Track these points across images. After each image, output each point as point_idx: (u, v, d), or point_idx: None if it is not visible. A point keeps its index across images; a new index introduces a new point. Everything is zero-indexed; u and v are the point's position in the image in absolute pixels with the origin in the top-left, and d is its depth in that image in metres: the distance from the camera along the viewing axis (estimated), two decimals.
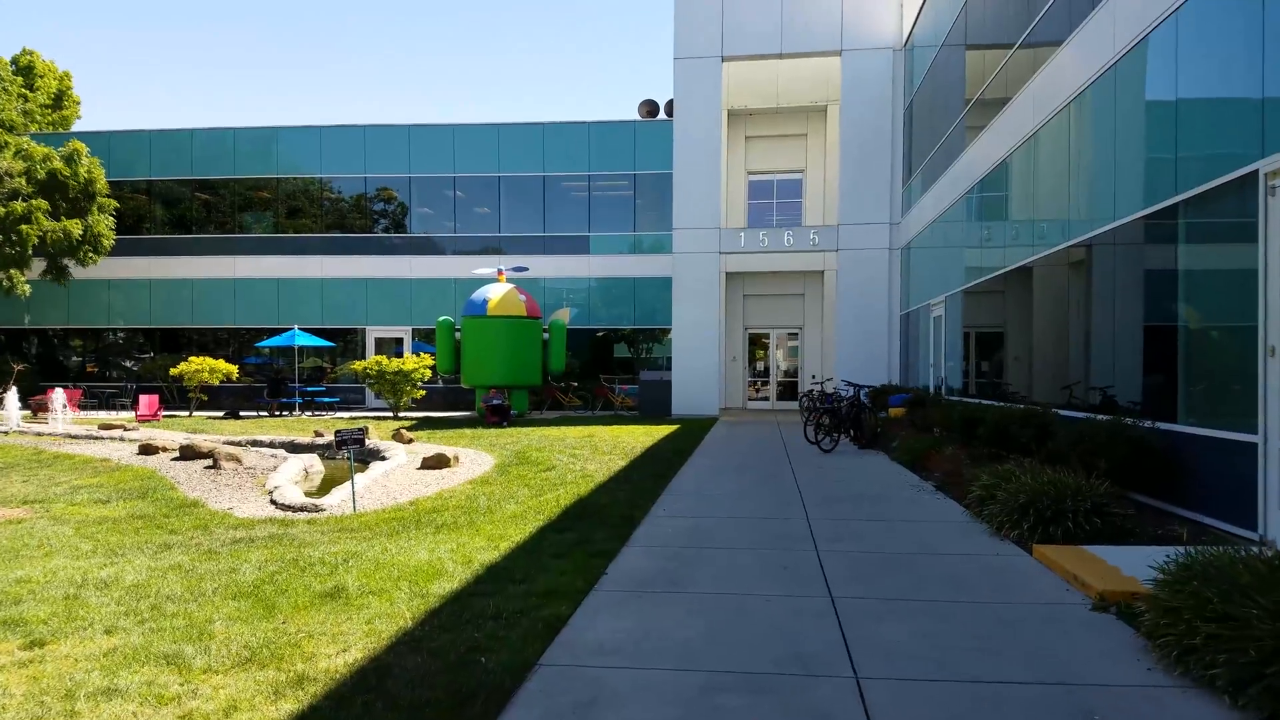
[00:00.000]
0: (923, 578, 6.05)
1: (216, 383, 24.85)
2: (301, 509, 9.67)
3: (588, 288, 28.18)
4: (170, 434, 19.32)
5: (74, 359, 29.16)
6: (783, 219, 28.64)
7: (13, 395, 19.40)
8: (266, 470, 13.29)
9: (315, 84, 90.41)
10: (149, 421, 21.97)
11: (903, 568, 6.37)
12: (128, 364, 28.65)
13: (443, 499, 9.86)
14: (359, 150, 28.63)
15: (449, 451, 13.42)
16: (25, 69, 34.05)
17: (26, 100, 33.96)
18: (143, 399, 22.84)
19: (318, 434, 18.12)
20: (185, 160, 28.80)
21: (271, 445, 17.55)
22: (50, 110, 35.05)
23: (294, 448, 17.58)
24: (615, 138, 28.22)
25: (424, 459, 13.03)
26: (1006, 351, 14.29)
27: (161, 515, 9.13)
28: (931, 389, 18.99)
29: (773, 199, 29.24)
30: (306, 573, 6.05)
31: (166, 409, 26.01)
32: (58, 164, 22.46)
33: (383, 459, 14.63)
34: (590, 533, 7.51)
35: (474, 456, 14.28)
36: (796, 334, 28.37)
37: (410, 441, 16.73)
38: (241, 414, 24.50)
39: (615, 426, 19.40)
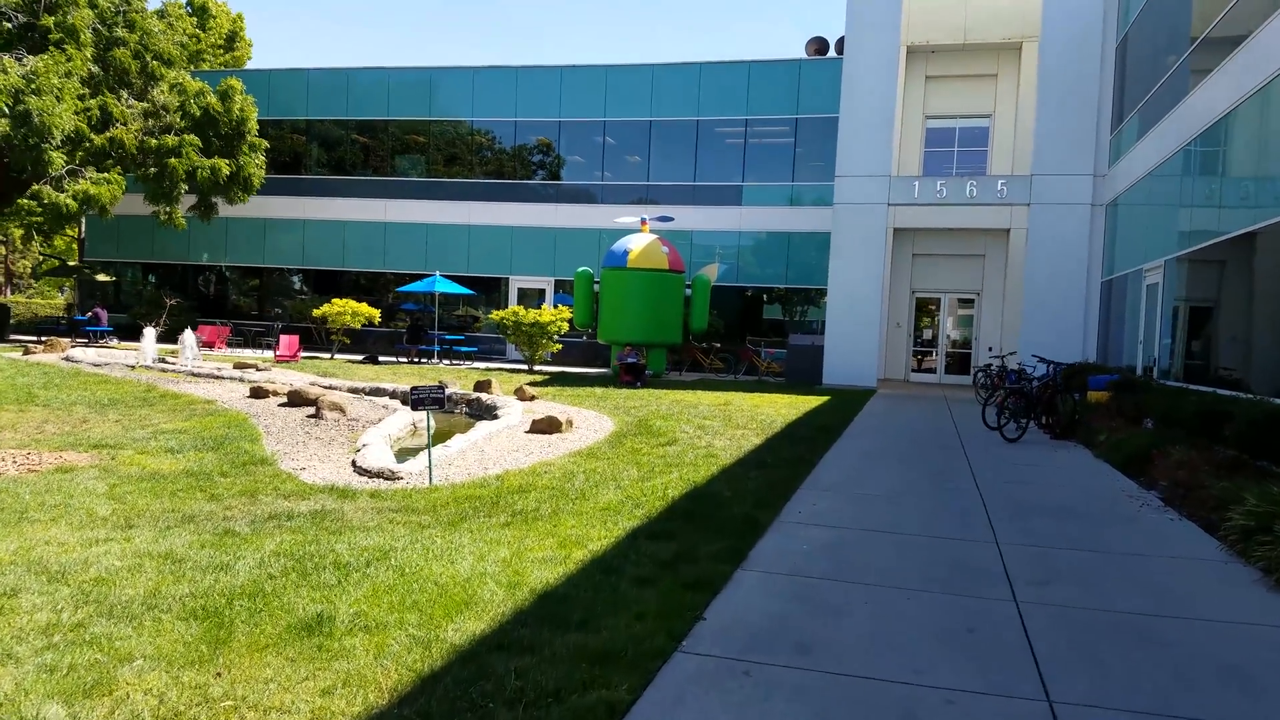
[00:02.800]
0: (1186, 667, 3.89)
1: (359, 326, 24.69)
2: (379, 474, 8.42)
3: (738, 242, 26.03)
4: (297, 375, 19.02)
5: (230, 296, 30.05)
6: (963, 170, 25.28)
7: (150, 331, 19.62)
8: (370, 423, 12.32)
9: (472, 27, 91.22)
10: (286, 362, 21.96)
11: (1149, 642, 4.20)
12: (280, 303, 29.20)
13: (535, 474, 8.32)
14: (510, 93, 27.55)
15: (563, 414, 11.95)
16: (200, 9, 35.19)
17: (197, 38, 35.12)
18: (283, 339, 22.91)
19: (442, 384, 17.15)
20: (341, 101, 28.72)
21: (392, 394, 16.78)
22: (222, 51, 36.21)
23: None
24: (777, 78, 25.70)
25: (534, 422, 11.60)
26: (1255, 330, 11.19)
27: (219, 473, 8.09)
28: (1139, 370, 15.80)
29: (953, 147, 25.85)
30: (305, 582, 4.59)
31: (310, 350, 26.24)
32: (211, 99, 22.57)
33: (494, 417, 13.40)
34: (696, 543, 5.70)
35: (593, 420, 12.76)
36: (972, 300, 25.13)
37: (532, 399, 15.45)
38: (381, 359, 24.26)
39: (757, 395, 17.41)
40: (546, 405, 14.89)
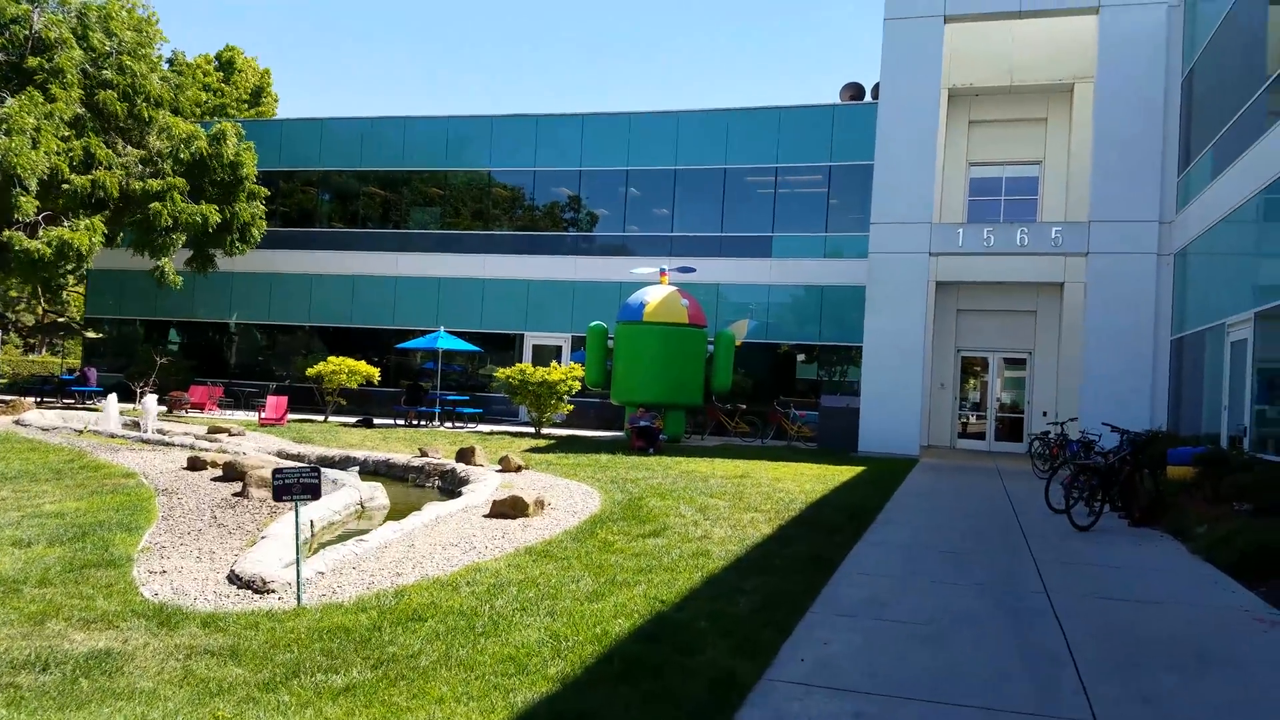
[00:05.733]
0: None
1: (355, 386, 23.04)
2: (250, 584, 6.47)
3: (768, 296, 24.04)
4: (273, 441, 17.34)
5: (233, 354, 28.74)
6: (1012, 221, 23.14)
7: (113, 396, 18.09)
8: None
9: (491, 80, 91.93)
10: (270, 426, 20.29)
11: None
12: (287, 361, 27.78)
13: (451, 588, 6.31)
14: (530, 142, 26.22)
15: (538, 492, 9.96)
16: (226, 64, 34.85)
17: (221, 92, 34.68)
18: (270, 401, 21.27)
19: (422, 452, 15.32)
20: (355, 152, 27.66)
21: (362, 464, 14.92)
22: (247, 105, 35.72)
23: (388, 468, 14.91)
24: (809, 124, 23.99)
25: (494, 504, 9.60)
26: None
27: (39, 581, 6.28)
28: (1224, 440, 13.36)
29: (1000, 196, 23.76)
30: None
31: (309, 411, 24.65)
32: (201, 144, 21.40)
33: (456, 495, 11.44)
34: None
35: (578, 499, 10.72)
36: (1024, 360, 22.73)
37: (518, 469, 13.49)
38: (377, 422, 22.51)
39: (781, 464, 15.22)
40: (533, 477, 12.92)
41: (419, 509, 9.57)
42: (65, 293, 29.67)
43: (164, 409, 23.51)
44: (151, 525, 8.67)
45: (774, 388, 23.57)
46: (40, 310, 32.15)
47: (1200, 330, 15.27)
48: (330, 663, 4.72)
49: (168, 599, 6.10)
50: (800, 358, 24.35)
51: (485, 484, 11.69)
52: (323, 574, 6.94)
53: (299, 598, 6.04)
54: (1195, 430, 15.03)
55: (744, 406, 22.26)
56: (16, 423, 18.18)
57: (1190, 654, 5.15)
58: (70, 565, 6.84)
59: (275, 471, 6.17)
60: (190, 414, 23.69)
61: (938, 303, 22.55)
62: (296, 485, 6.15)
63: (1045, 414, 21.42)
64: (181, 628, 5.34)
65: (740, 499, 10.58)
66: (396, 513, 10.44)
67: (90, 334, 28.77)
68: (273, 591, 6.34)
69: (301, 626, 5.38)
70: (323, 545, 8.64)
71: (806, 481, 12.62)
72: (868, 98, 24.92)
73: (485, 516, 9.45)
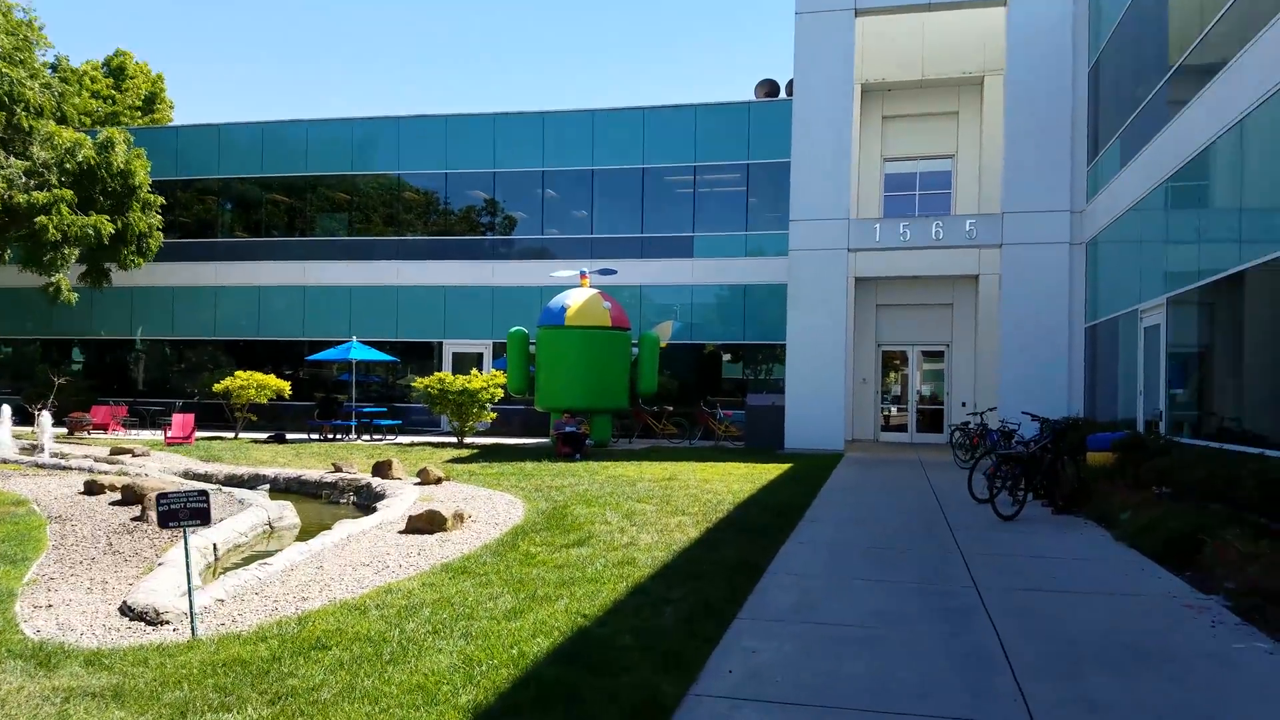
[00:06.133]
0: None
1: (265, 400, 22.03)
2: (142, 616, 5.93)
3: (691, 296, 23.92)
4: (180, 460, 16.40)
5: (137, 372, 27.25)
6: (927, 215, 23.58)
7: (5, 421, 16.81)
8: (212, 522, 9.72)
9: (398, 79, 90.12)
10: (178, 445, 19.23)
11: None
12: (194, 377, 26.44)
13: (360, 612, 5.85)
14: (440, 144, 25.53)
15: (456, 505, 9.51)
16: (117, 70, 33.07)
17: (112, 99, 32.88)
18: (176, 419, 20.16)
19: (336, 467, 14.63)
20: (256, 158, 26.53)
21: (272, 482, 14.17)
22: (140, 113, 33.96)
23: (300, 484, 14.19)
24: (726, 122, 23.97)
25: (410, 519, 9.11)
26: None
27: None
28: (1140, 425, 13.72)
29: (914, 191, 24.19)
30: None
31: (218, 429, 23.49)
32: (88, 152, 20.13)
33: (371, 510, 10.89)
34: None
35: (500, 509, 10.29)
36: (942, 352, 23.16)
37: (438, 482, 12.95)
38: (289, 437, 21.55)
39: (709, 464, 15.04)
40: (454, 489, 12.42)
41: (189, 578, 9.00)
42: None
43: (65, 431, 22.15)
44: (40, 556, 8.00)
45: (700, 388, 23.46)
46: None
47: (1114, 317, 15.69)
48: (223, 700, 4.28)
49: (50, 635, 5.54)
50: (726, 357, 24.32)
51: (402, 498, 11.16)
52: (222, 601, 6.42)
53: (193, 629, 5.53)
54: (1112, 416, 15.43)
55: (671, 408, 22.07)
56: None
57: (1127, 649, 5.06)
58: None
59: (159, 496, 5.61)
60: (93, 435, 22.35)
61: (858, 299, 22.78)
62: (184, 510, 5.61)
63: (965, 405, 21.84)
64: (62, 667, 4.83)
65: (668, 502, 10.31)
66: (308, 532, 9.87)
67: None
68: (167, 623, 5.84)
69: (195, 660, 4.90)
70: (227, 569, 8.06)
71: (734, 481, 12.45)
72: (783, 94, 25.04)
73: (400, 533, 8.96)
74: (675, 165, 24.12)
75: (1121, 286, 15.37)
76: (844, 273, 19.19)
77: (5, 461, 15.43)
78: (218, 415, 24.04)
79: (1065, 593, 6.40)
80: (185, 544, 5.59)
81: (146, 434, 22.76)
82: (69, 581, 7.10)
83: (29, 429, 19.15)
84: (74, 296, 22.24)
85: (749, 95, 26.11)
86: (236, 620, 5.88)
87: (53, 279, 21.00)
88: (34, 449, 16.92)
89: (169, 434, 19.77)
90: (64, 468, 14.78)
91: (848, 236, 18.98)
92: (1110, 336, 16.01)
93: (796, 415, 18.84)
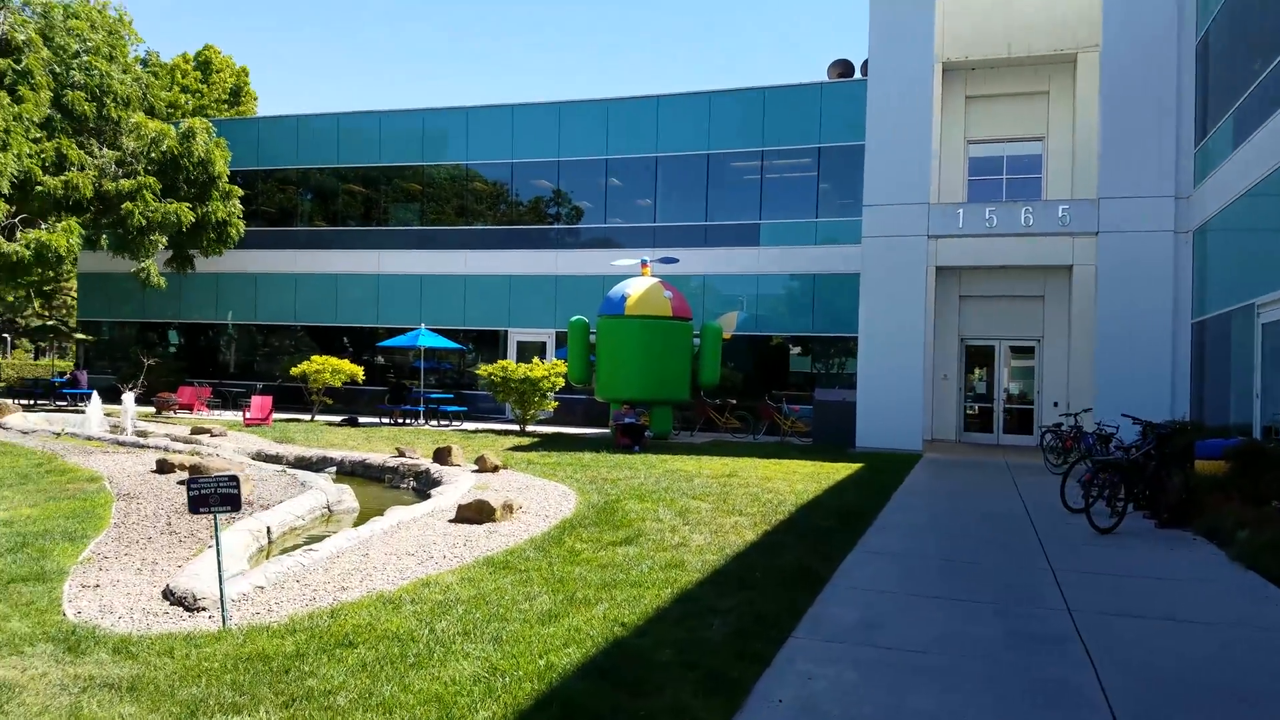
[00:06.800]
0: None
1: (339, 385, 22.31)
2: (181, 601, 5.79)
3: (756, 286, 23.23)
4: (254, 441, 16.66)
5: (221, 354, 28.02)
6: (1015, 200, 22.31)
7: (96, 397, 17.39)
8: (263, 506, 9.68)
9: (470, 70, 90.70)
10: (255, 426, 19.59)
11: None
12: (276, 361, 27.06)
13: (393, 606, 5.56)
14: (506, 133, 25.41)
15: (508, 496, 9.17)
16: (203, 63, 34.01)
17: (200, 93, 33.88)
18: (255, 401, 20.59)
19: (399, 452, 14.57)
20: (332, 148, 26.88)
21: (340, 464, 14.21)
22: (226, 106, 34.91)
23: (365, 468, 14.19)
24: (796, 105, 23.14)
25: (460, 508, 8.84)
26: None
27: None
28: (1258, 431, 12.53)
29: (1001, 175, 22.91)
30: None
31: (296, 411, 23.93)
32: (171, 142, 20.61)
33: (427, 496, 10.70)
34: None
35: (553, 500, 9.95)
36: (1032, 348, 21.91)
37: (495, 470, 12.73)
38: (362, 421, 21.78)
39: (772, 461, 14.43)
40: (510, 477, 12.16)
41: (220, 566, 8.79)
42: (60, 297, 29.03)
43: (152, 410, 22.90)
44: (100, 534, 8.04)
45: (766, 382, 22.76)
46: (32, 314, 31.56)
47: (1226, 312, 14.42)
48: (236, 699, 4.03)
49: (90, 618, 5.46)
50: (794, 350, 23.54)
51: (457, 486, 10.95)
52: (262, 589, 6.25)
53: (224, 619, 5.34)
54: (1223, 420, 14.19)
55: (734, 402, 21.44)
56: None
57: (1249, 694, 4.36)
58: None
59: (190, 481, 5.40)
60: (179, 415, 23.02)
61: (939, 289, 21.73)
62: (214, 496, 5.39)
63: (1056, 404, 20.62)
64: (89, 655, 4.69)
65: (725, 500, 9.80)
66: (365, 516, 9.79)
67: (79, 336, 28.09)
68: (204, 610, 5.71)
69: (219, 653, 4.70)
70: (285, 551, 7.94)
71: (798, 480, 11.84)
72: (858, 75, 24.05)
73: (450, 521, 8.71)
74: (742, 150, 23.41)
75: (1235, 278, 14.12)
76: (923, 261, 18.25)
77: (90, 439, 15.89)
78: (296, 398, 24.49)
79: (1174, 621, 5.67)
80: (216, 531, 5.37)
81: (228, 414, 23.31)
82: (121, 561, 7.07)
83: (119, 408, 19.81)
84: (163, 281, 22.95)
85: (822, 77, 25.18)
86: (272, 609, 5.68)
87: (143, 264, 21.66)
88: (119, 428, 17.44)
89: (247, 415, 20.19)
90: (142, 446, 15.12)
91: (928, 222, 18.03)
92: (1221, 333, 14.75)
93: (869, 412, 18.02)
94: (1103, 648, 5.01)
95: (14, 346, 34.14)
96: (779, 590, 5.94)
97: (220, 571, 5.25)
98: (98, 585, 6.30)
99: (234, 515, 9.02)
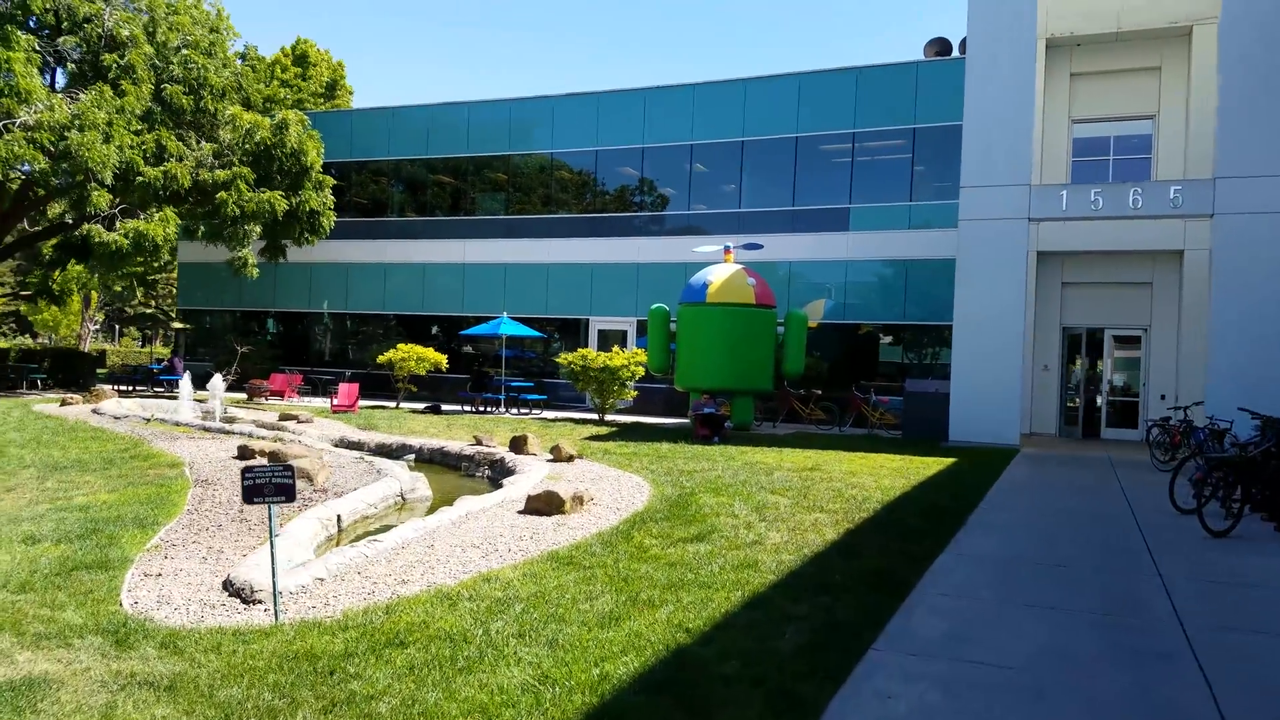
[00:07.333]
0: None
1: (424, 372, 22.66)
2: (239, 593, 5.78)
3: (845, 273, 22.47)
4: (339, 427, 17.01)
5: (313, 342, 28.88)
6: (1123, 181, 20.91)
7: (186, 387, 18.10)
8: (337, 494, 9.76)
9: (558, 60, 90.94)
10: (342, 413, 20.05)
11: None
12: (366, 348, 27.76)
13: (451, 603, 5.41)
14: (591, 121, 25.28)
15: (572, 490, 8.95)
16: (300, 58, 35.01)
17: (298, 87, 34.88)
18: (342, 388, 21.09)
19: (476, 440, 14.61)
20: (422, 140, 27.28)
21: (418, 452, 14.35)
22: (323, 99, 35.87)
23: (443, 456, 14.29)
24: (889, 85, 22.23)
25: (529, 499, 8.69)
26: None
27: (21, 586, 5.78)
28: None
29: (1108, 156, 21.52)
30: None
31: (382, 398, 24.46)
32: (265, 133, 21.21)
33: (498, 486, 10.62)
34: None
35: (627, 492, 9.71)
36: (1138, 338, 20.57)
37: (570, 459, 12.60)
38: (445, 408, 22.07)
39: (858, 455, 13.87)
40: (584, 467, 12.00)
41: (273, 560, 8.68)
42: (166, 286, 30.44)
43: (245, 397, 23.76)
44: (172, 520, 8.17)
45: (854, 372, 22.01)
46: (138, 303, 33.26)
47: None
48: (275, 703, 3.90)
49: (145, 609, 5.46)
50: (885, 339, 22.70)
51: (529, 476, 10.84)
52: (322, 580, 6.18)
53: (275, 613, 5.26)
54: None
55: (819, 392, 20.81)
56: (94, 411, 18.38)
57: None
58: (63, 566, 6.33)
59: (245, 470, 5.35)
60: (270, 401, 23.80)
61: (1039, 275, 20.60)
62: (268, 486, 5.32)
63: (1164, 397, 19.32)
64: (136, 649, 4.65)
65: (805, 496, 9.37)
66: (439, 504, 9.73)
67: (176, 325, 29.41)
68: (260, 602, 5.65)
69: (266, 650, 4.59)
70: (355, 539, 7.94)
71: (885, 476, 11.29)
72: (955, 54, 22.97)
73: (519, 513, 8.57)
74: (832, 133, 22.64)
75: None
76: (1023, 245, 17.26)
77: (178, 424, 16.48)
78: (383, 385, 25.02)
79: None
80: (270, 522, 5.30)
81: (318, 401, 23.98)
82: (188, 549, 7.13)
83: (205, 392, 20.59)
84: (256, 271, 23.70)
85: (917, 56, 24.14)
86: (329, 603, 5.60)
87: (239, 254, 22.40)
88: (209, 414, 18.08)
89: (335, 402, 20.70)
90: (226, 432, 15.57)
91: (1028, 205, 17.03)
92: None
93: (963, 404, 17.17)
94: (1219, 667, 4.45)
95: (122, 334, 36.08)
96: (859, 596, 5.54)
97: (274, 565, 5.19)
98: (160, 574, 6.35)
99: (304, 503, 9.14)
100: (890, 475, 11.34)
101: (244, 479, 5.26)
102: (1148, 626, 5.19)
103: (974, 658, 4.54)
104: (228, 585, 5.97)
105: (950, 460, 13.52)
